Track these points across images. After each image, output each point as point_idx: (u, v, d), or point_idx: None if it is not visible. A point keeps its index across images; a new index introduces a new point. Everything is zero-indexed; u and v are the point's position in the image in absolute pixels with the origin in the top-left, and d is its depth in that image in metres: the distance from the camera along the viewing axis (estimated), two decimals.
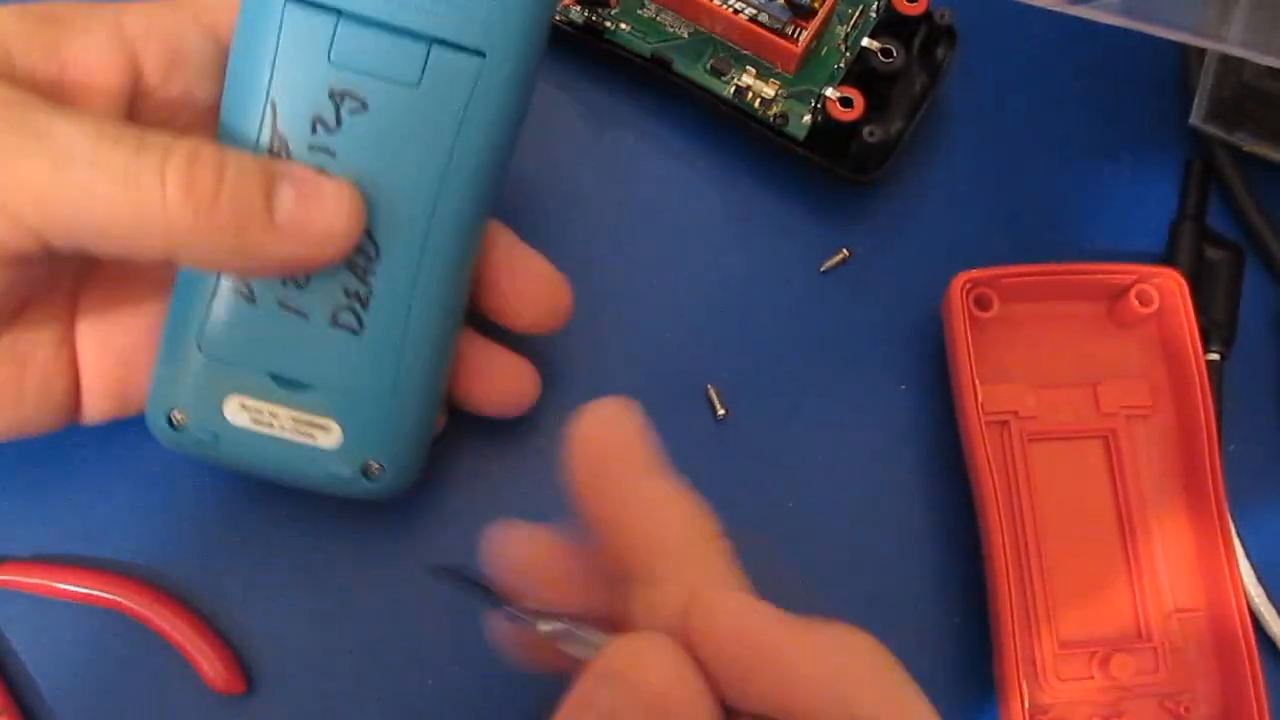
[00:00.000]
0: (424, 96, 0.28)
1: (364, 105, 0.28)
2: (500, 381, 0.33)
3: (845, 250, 0.38)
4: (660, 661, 0.22)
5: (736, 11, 0.37)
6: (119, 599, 0.33)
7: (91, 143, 0.25)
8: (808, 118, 0.37)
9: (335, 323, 0.29)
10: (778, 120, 0.37)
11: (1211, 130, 0.39)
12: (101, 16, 0.28)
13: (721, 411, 0.36)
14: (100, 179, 0.25)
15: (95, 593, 0.33)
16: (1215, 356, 0.37)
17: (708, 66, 0.37)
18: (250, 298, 0.29)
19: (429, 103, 0.28)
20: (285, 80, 0.28)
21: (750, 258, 0.38)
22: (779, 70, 0.37)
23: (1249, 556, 0.36)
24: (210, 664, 0.33)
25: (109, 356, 0.31)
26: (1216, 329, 0.37)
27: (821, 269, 0.38)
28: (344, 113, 0.28)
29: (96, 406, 0.31)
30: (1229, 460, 0.35)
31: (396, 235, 0.29)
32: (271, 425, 0.30)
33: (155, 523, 0.34)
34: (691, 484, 0.35)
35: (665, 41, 0.38)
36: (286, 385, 0.30)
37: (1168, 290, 0.36)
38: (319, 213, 0.27)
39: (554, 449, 0.35)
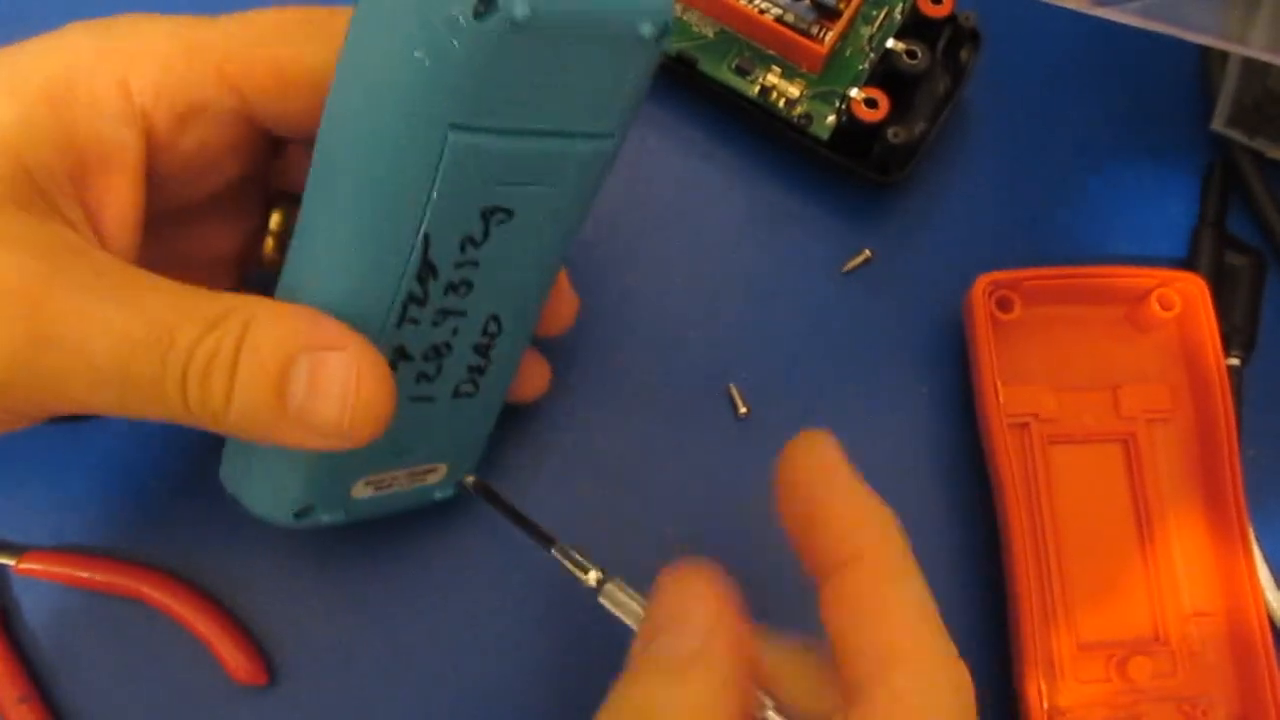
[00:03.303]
0: (564, 189, 0.27)
1: (510, 215, 0.26)
2: (523, 377, 0.33)
3: (867, 251, 0.38)
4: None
5: (762, 11, 0.37)
6: (141, 589, 0.33)
7: (125, 355, 0.24)
8: (832, 118, 0.37)
9: (457, 394, 0.30)
10: (802, 120, 0.37)
11: (1233, 135, 0.39)
12: (108, 80, 0.26)
13: (743, 410, 0.36)
14: (130, 395, 0.24)
15: (118, 582, 0.33)
16: (1235, 362, 0.37)
17: (732, 66, 0.37)
18: None
19: (568, 193, 0.27)
20: (441, 213, 0.25)
21: (772, 257, 0.38)
22: (804, 70, 0.37)
23: (1267, 561, 0.36)
24: (232, 655, 0.33)
25: None
26: (1237, 334, 0.37)
27: (843, 269, 0.38)
28: (492, 226, 0.26)
29: None
30: (1248, 465, 0.35)
31: (518, 308, 0.29)
32: (391, 486, 0.31)
33: (178, 513, 0.35)
34: (712, 482, 0.36)
35: (690, 41, 0.38)
36: (405, 452, 0.31)
37: (1189, 295, 0.36)
38: (326, 409, 0.25)
39: (579, 450, 0.36)
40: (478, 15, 0.21)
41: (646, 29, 0.24)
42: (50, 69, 0.25)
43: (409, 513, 0.33)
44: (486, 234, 0.26)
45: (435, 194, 0.24)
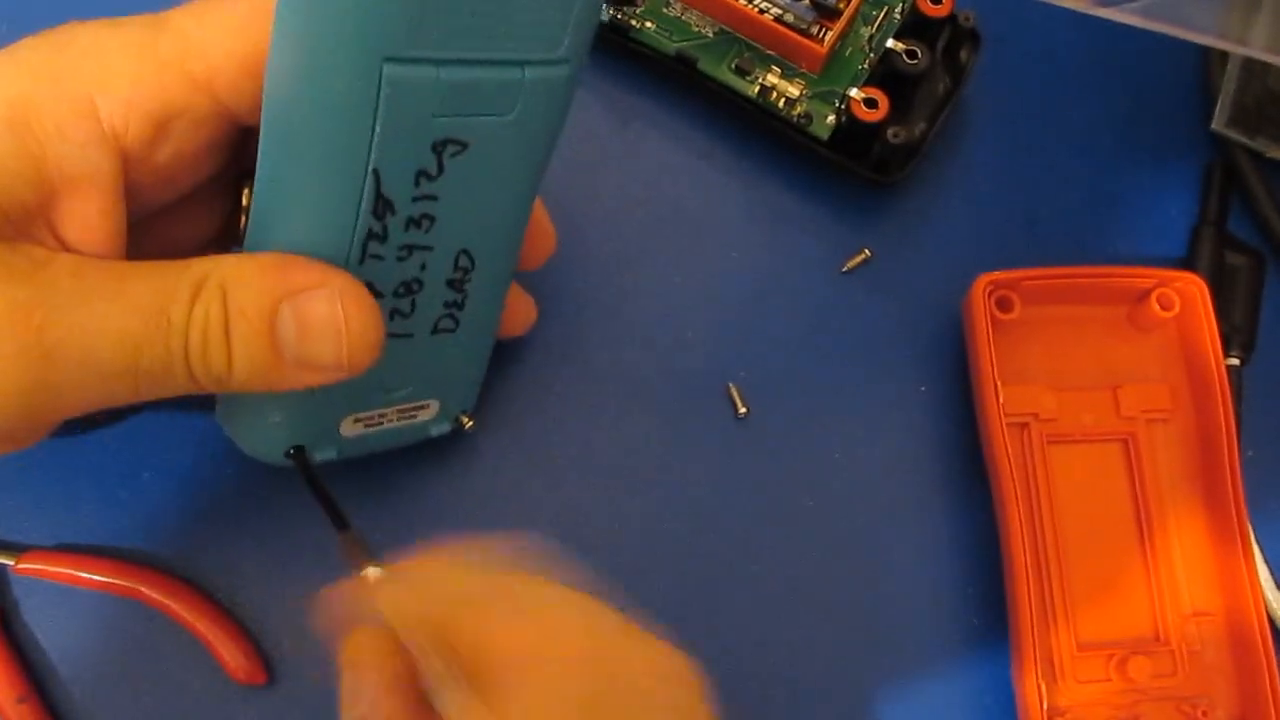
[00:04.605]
0: (519, 119, 0.26)
1: (464, 147, 0.26)
2: (508, 312, 0.33)
3: (866, 251, 0.38)
4: None
5: (762, 11, 0.37)
6: (140, 588, 0.33)
7: (131, 350, 0.24)
8: (831, 118, 0.37)
9: (436, 330, 0.30)
10: (801, 120, 0.37)
11: (1233, 135, 0.39)
12: (76, 104, 0.25)
13: (742, 410, 0.36)
14: (143, 383, 0.25)
15: (117, 582, 0.33)
16: (1235, 361, 0.37)
17: (732, 66, 0.37)
18: None
19: (524, 123, 0.26)
20: (388, 148, 0.24)
21: (772, 257, 0.38)
22: (803, 70, 0.37)
23: (1267, 561, 0.36)
24: (231, 654, 0.33)
25: None
26: (1236, 334, 0.37)
27: (843, 269, 0.38)
28: (445, 159, 0.26)
29: None
30: (1247, 465, 0.35)
31: (491, 244, 0.29)
32: (381, 423, 0.32)
33: (177, 512, 0.34)
34: (711, 482, 0.36)
35: (690, 40, 0.38)
36: (390, 389, 0.31)
37: (1188, 295, 0.36)
38: (321, 348, 0.26)
39: (578, 449, 0.36)
40: None
41: None
42: (10, 96, 0.25)
43: (407, 448, 0.34)
44: (441, 168, 0.26)
45: (378, 128, 0.24)
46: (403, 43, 0.23)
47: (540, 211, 0.32)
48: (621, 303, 0.37)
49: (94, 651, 0.33)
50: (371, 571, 0.27)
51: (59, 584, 0.33)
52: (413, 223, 0.26)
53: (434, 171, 0.26)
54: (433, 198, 0.26)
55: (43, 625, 0.33)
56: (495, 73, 0.24)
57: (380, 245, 0.26)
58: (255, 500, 0.35)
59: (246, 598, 0.34)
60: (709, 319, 0.37)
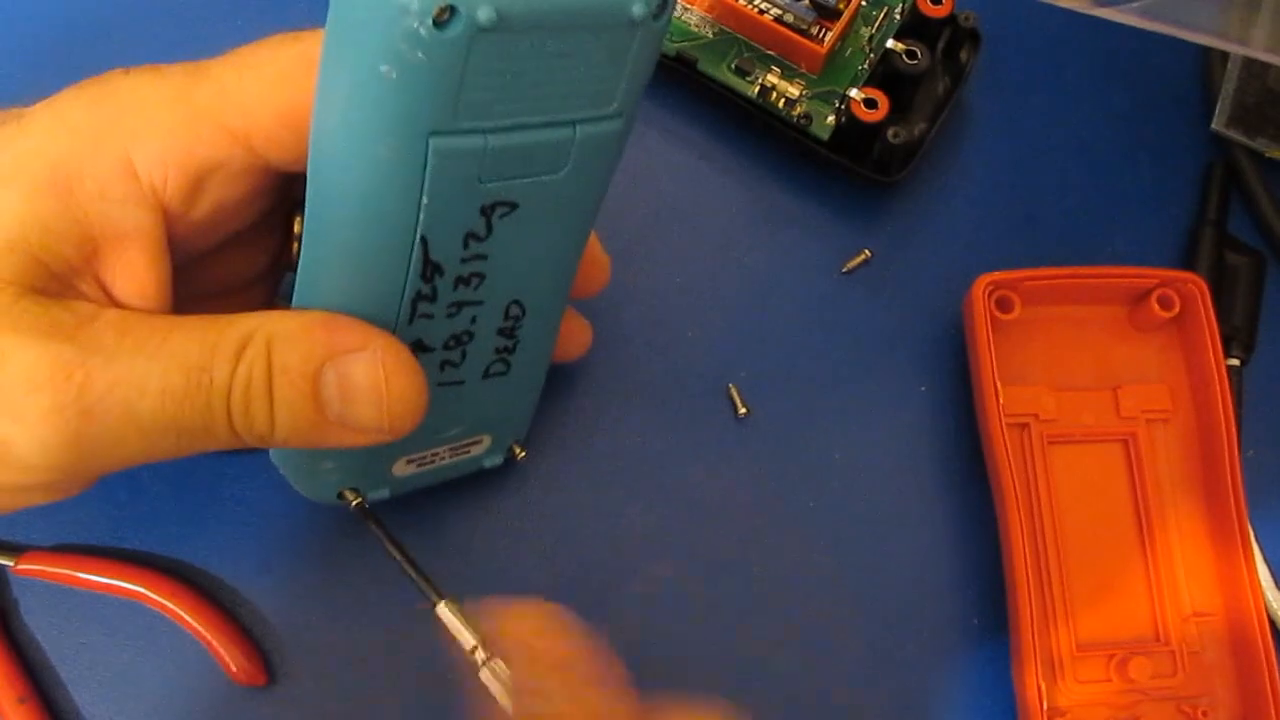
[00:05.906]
0: (570, 175, 0.25)
1: (513, 207, 0.25)
2: (564, 337, 0.33)
3: (867, 251, 0.38)
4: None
5: (762, 12, 0.37)
6: (141, 589, 0.33)
7: (173, 408, 0.24)
8: (831, 118, 0.37)
9: (487, 375, 0.30)
10: (801, 120, 0.37)
11: (1234, 135, 0.39)
12: (112, 161, 0.25)
13: (743, 410, 0.36)
14: (184, 441, 0.25)
15: (117, 583, 0.33)
16: (1235, 362, 0.37)
17: (732, 66, 0.37)
18: None
19: (575, 178, 0.25)
20: (436, 216, 0.24)
21: (772, 258, 0.38)
22: (803, 71, 0.37)
23: (1267, 561, 0.36)
24: (231, 655, 0.33)
25: None
26: (1237, 335, 0.37)
27: (843, 269, 0.38)
28: (495, 220, 0.25)
29: None
30: (1248, 465, 0.35)
31: (542, 291, 0.28)
32: (434, 462, 0.32)
33: (177, 513, 0.35)
34: (712, 482, 0.36)
35: (690, 41, 0.38)
36: (441, 430, 0.31)
37: (1189, 295, 0.36)
38: (362, 411, 0.26)
39: (577, 450, 0.36)
40: (439, 25, 0.20)
41: (638, 9, 0.22)
42: (52, 156, 0.25)
43: (458, 480, 0.34)
44: (490, 228, 0.25)
45: (425, 198, 0.23)
46: (447, 118, 0.22)
47: (594, 242, 0.32)
48: (621, 303, 0.37)
49: (94, 652, 0.33)
50: (480, 655, 0.27)
51: (59, 584, 0.33)
52: (461, 281, 0.26)
53: (483, 233, 0.25)
54: (482, 257, 0.26)
55: (43, 625, 0.33)
56: (545, 134, 0.24)
57: (429, 305, 0.26)
58: (255, 500, 0.35)
59: (247, 598, 0.34)
60: (709, 319, 0.37)
